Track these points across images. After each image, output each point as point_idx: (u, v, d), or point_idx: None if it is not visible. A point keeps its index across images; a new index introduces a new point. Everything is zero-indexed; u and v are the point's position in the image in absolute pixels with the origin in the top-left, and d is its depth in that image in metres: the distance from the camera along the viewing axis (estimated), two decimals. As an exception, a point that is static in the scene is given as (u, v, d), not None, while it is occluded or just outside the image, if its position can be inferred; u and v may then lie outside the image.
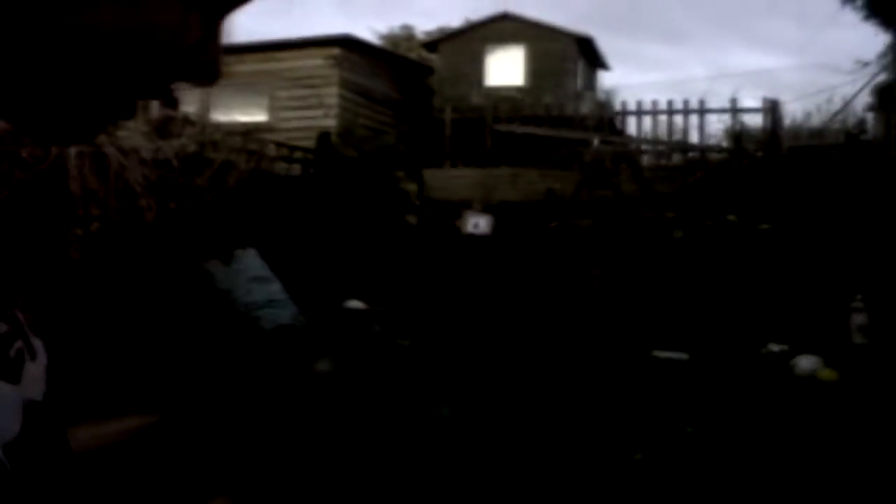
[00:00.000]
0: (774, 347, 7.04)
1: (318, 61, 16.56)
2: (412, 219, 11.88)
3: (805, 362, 6.56)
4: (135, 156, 7.86)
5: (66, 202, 6.72)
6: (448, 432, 4.49)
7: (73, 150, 6.74)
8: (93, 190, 7.10)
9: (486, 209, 11.80)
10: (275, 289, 7.36)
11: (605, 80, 19.65)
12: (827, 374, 6.36)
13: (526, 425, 4.72)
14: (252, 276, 7.31)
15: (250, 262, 7.46)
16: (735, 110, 14.57)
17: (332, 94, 16.25)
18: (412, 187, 13.06)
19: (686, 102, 14.66)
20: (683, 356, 6.86)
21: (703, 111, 14.62)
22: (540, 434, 4.55)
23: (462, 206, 11.89)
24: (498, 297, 8.10)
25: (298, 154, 12.84)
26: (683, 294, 8.08)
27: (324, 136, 13.31)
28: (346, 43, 16.71)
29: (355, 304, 8.16)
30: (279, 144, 12.68)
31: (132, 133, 8.37)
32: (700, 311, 7.69)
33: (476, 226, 11.23)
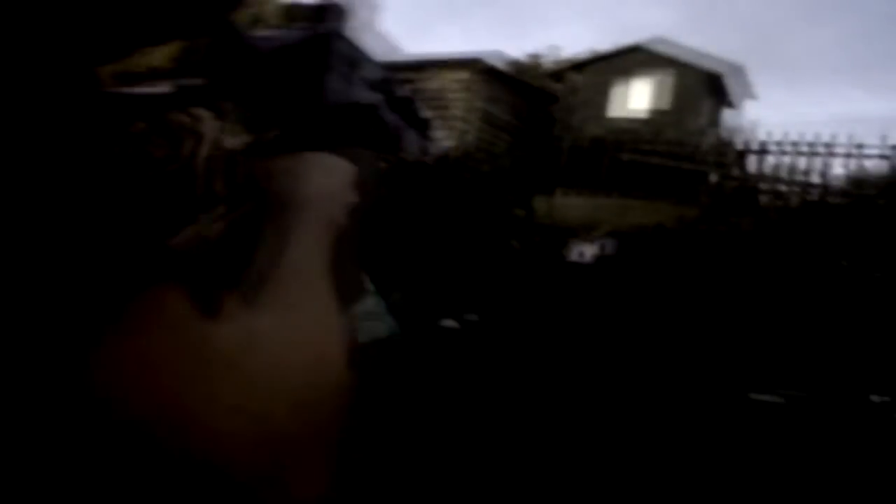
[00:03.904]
0: (875, 398, 6.92)
1: (448, 83, 17.01)
2: (516, 244, 12.08)
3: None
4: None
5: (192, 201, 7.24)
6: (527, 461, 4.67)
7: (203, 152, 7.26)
8: (216, 191, 7.62)
9: (594, 239, 11.89)
10: (373, 301, 7.69)
11: (730, 116, 19.37)
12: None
13: (610, 464, 4.83)
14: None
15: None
16: (861, 155, 14.14)
17: (456, 116, 16.66)
18: (523, 212, 13.27)
19: (812, 144, 14.37)
20: (780, 400, 6.82)
21: (828, 154, 14.28)
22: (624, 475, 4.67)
23: (570, 234, 12.01)
24: (593, 327, 8.20)
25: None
26: (786, 337, 7.99)
27: (441, 157, 13.68)
28: (476, 67, 17.11)
29: (450, 323, 8.43)
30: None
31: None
32: (802, 355, 7.60)
33: (581, 255, 11.34)
